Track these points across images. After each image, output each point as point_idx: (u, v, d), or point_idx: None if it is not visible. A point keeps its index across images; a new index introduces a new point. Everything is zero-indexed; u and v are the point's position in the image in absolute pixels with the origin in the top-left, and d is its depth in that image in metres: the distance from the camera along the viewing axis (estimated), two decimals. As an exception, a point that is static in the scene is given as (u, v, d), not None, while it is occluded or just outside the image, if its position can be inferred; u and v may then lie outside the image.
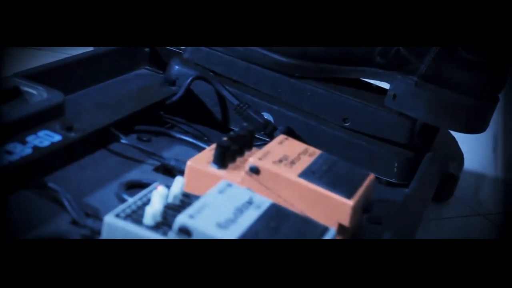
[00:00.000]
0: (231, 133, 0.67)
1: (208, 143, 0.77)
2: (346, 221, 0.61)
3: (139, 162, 0.71)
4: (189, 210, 0.53)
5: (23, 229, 0.56)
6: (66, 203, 0.60)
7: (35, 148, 0.63)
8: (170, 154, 0.73)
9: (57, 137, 0.66)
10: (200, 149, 0.76)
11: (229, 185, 0.58)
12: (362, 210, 0.65)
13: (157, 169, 0.71)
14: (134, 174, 0.69)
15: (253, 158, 0.64)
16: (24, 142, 0.64)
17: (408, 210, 0.69)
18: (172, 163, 0.70)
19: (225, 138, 0.66)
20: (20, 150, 0.62)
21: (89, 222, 0.58)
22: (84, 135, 0.68)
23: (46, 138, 0.65)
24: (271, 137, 0.80)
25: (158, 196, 0.55)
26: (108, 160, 0.70)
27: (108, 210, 0.59)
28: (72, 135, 0.67)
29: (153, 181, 0.63)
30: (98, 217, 0.59)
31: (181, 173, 0.68)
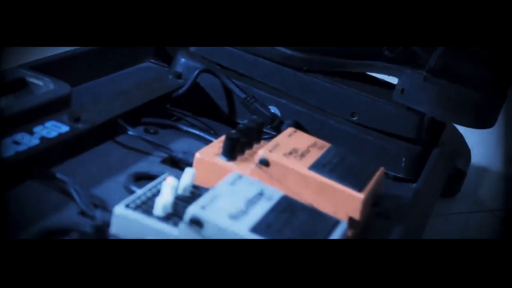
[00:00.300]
0: (240, 125, 0.67)
1: (215, 136, 0.76)
2: (356, 215, 0.61)
3: (147, 154, 0.71)
4: (200, 201, 0.52)
5: (31, 220, 0.56)
6: (74, 194, 0.59)
7: (43, 138, 0.63)
8: (177, 146, 0.73)
9: (64, 128, 0.65)
10: (207, 142, 0.75)
11: (240, 176, 0.57)
12: (372, 204, 0.64)
13: (164, 161, 0.70)
14: (142, 166, 0.68)
15: (263, 150, 0.63)
16: (31, 133, 0.63)
17: (417, 205, 0.69)
18: (180, 155, 0.70)
19: (234, 131, 0.65)
20: (28, 141, 0.62)
21: (98, 213, 0.57)
22: (91, 127, 0.68)
23: (54, 129, 0.65)
24: (278, 131, 0.80)
25: (169, 187, 0.54)
26: (115, 151, 0.70)
27: (116, 201, 0.59)
28: (80, 126, 0.67)
29: (161, 173, 0.62)
30: (106, 208, 0.59)
31: (189, 165, 0.67)
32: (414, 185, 0.77)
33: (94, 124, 0.68)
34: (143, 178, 0.65)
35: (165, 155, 0.71)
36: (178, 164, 0.70)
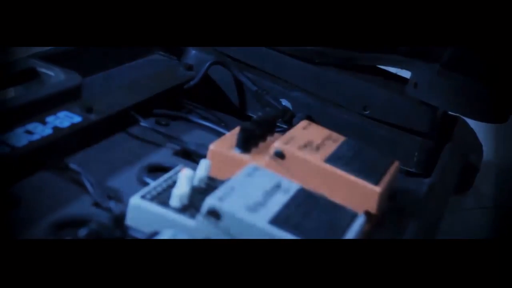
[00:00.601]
0: (254, 117, 0.66)
1: (227, 128, 0.75)
2: (373, 208, 0.60)
3: (159, 145, 0.70)
4: (218, 193, 0.52)
5: (44, 211, 0.55)
6: (88, 184, 0.58)
7: (56, 128, 0.62)
8: (189, 138, 0.72)
9: (77, 118, 0.65)
10: (219, 134, 0.74)
11: (257, 168, 0.57)
12: (388, 197, 0.64)
13: (176, 153, 0.69)
14: (154, 158, 0.67)
15: (278, 142, 0.63)
16: (44, 123, 0.62)
17: (432, 200, 0.68)
18: (193, 147, 0.69)
19: (248, 122, 0.65)
20: (41, 130, 0.61)
21: (112, 204, 0.57)
22: (104, 117, 0.67)
23: (66, 119, 0.64)
24: (290, 124, 0.79)
25: (185, 178, 0.53)
26: (128, 143, 0.69)
27: (129, 192, 0.58)
28: (92, 116, 0.66)
29: (174, 165, 0.62)
30: (120, 199, 0.58)
31: (202, 157, 0.66)
32: (426, 180, 0.77)
33: (106, 115, 0.67)
34: (157, 170, 0.64)
35: (177, 147, 0.70)
36: (190, 156, 0.69)
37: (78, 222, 0.53)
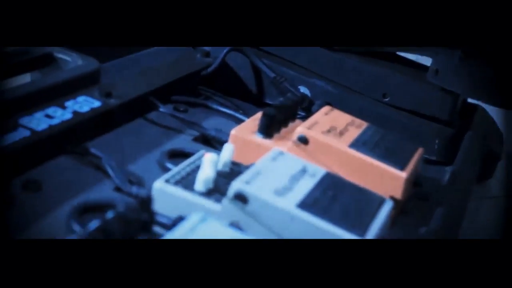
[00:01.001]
0: (276, 102, 0.65)
1: (245, 115, 0.74)
2: (398, 194, 0.59)
3: (178, 131, 0.69)
4: (244, 176, 0.51)
5: (65, 195, 0.54)
6: (109, 169, 0.57)
7: (75, 113, 0.61)
8: (208, 125, 0.71)
9: (96, 103, 0.64)
10: (238, 120, 0.73)
11: (281, 153, 0.56)
12: (413, 184, 0.63)
13: (196, 139, 0.68)
14: (174, 144, 0.66)
15: (301, 127, 0.62)
16: (63, 107, 0.61)
17: (456, 187, 0.67)
18: (212, 133, 0.68)
19: (270, 108, 0.64)
20: (61, 115, 0.60)
21: (134, 189, 0.56)
22: (123, 102, 0.66)
23: (86, 103, 0.63)
24: (308, 111, 0.78)
25: (210, 163, 0.52)
26: (147, 129, 0.68)
27: (150, 178, 0.57)
28: (112, 101, 0.65)
29: (194, 151, 0.61)
30: (141, 184, 0.57)
31: (221, 143, 0.66)
32: (448, 167, 0.75)
33: (126, 100, 0.66)
34: (177, 155, 0.63)
35: (196, 133, 0.69)
36: (210, 142, 0.68)
37: (101, 206, 0.53)
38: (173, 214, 0.50)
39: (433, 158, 0.79)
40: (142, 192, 0.54)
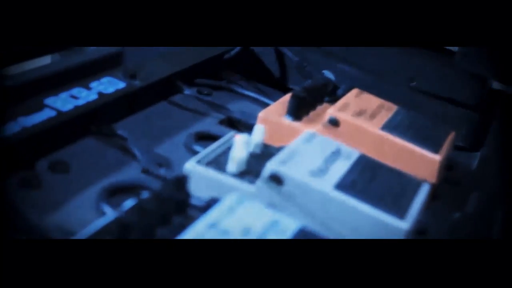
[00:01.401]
0: (305, 84, 0.64)
1: (270, 99, 0.73)
2: (432, 177, 0.57)
3: (203, 114, 0.68)
4: (279, 158, 0.49)
5: (94, 178, 0.53)
6: (136, 151, 0.56)
7: (101, 94, 0.60)
8: (233, 108, 0.70)
9: (121, 84, 0.62)
10: (262, 104, 0.72)
11: (314, 135, 0.54)
12: (445, 168, 0.61)
13: (222, 122, 0.67)
14: (199, 126, 0.65)
15: (331, 109, 0.60)
16: (88, 88, 0.60)
17: (489, 173, 0.65)
18: (238, 116, 0.67)
19: (299, 90, 0.62)
20: (86, 95, 0.59)
21: (162, 171, 0.54)
22: (147, 84, 0.65)
23: (110, 84, 0.62)
24: (333, 96, 0.76)
25: (242, 144, 0.51)
26: (171, 111, 0.67)
27: (177, 160, 0.56)
28: (136, 83, 0.64)
29: (222, 134, 0.59)
30: (169, 166, 0.56)
31: (248, 126, 0.64)
32: (477, 153, 0.74)
33: (150, 82, 0.65)
34: (205, 138, 0.62)
35: (221, 116, 0.68)
36: (235, 125, 0.67)
37: (130, 188, 0.51)
38: (205, 195, 0.49)
39: (460, 144, 0.77)
40: (171, 174, 0.53)
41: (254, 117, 0.63)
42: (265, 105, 0.71)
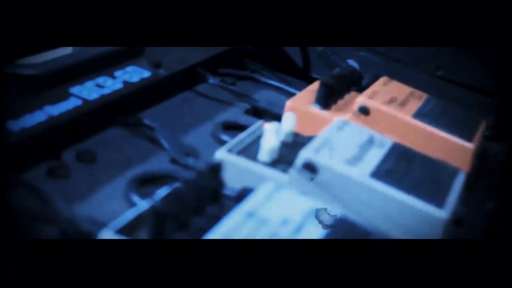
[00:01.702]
0: (333, 73, 0.62)
1: (295, 88, 0.72)
2: (465, 166, 0.56)
3: (228, 104, 0.67)
4: (312, 146, 0.48)
5: (121, 167, 0.52)
6: (163, 141, 0.55)
7: (126, 83, 0.59)
8: (258, 97, 0.69)
9: (146, 73, 0.61)
10: (287, 93, 0.71)
11: (346, 123, 0.53)
12: (477, 156, 0.60)
13: (247, 112, 0.66)
14: (225, 116, 0.64)
15: (361, 97, 0.59)
16: (113, 77, 0.59)
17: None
18: (265, 105, 0.65)
19: (328, 78, 0.61)
20: (111, 84, 0.58)
21: (190, 161, 0.53)
22: (172, 73, 0.64)
23: (135, 73, 0.61)
24: (358, 85, 0.75)
25: (273, 132, 0.50)
26: (196, 101, 0.66)
27: (205, 150, 0.55)
28: (161, 72, 0.62)
29: (249, 123, 0.58)
30: (197, 156, 0.55)
31: (274, 116, 0.63)
32: (505, 143, 0.72)
33: (175, 71, 0.64)
34: (232, 127, 0.60)
35: (246, 106, 0.67)
36: (261, 115, 0.66)
37: (159, 178, 0.50)
38: (235, 184, 0.47)
39: (488, 134, 0.76)
40: (199, 164, 0.51)
41: (280, 107, 0.62)
42: (289, 94, 0.70)
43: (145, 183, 0.49)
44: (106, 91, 0.56)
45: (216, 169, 0.42)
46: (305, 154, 0.47)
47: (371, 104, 0.58)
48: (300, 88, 0.66)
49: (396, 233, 0.45)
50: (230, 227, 0.37)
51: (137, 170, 0.51)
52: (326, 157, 0.47)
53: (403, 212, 0.45)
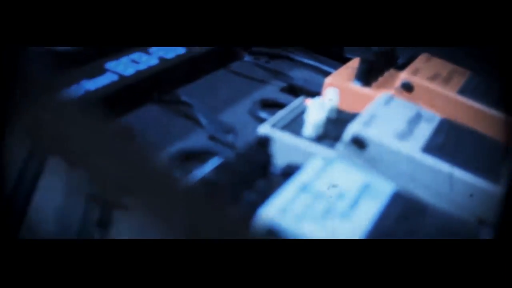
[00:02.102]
0: (374, 49, 0.60)
1: (331, 67, 0.70)
2: (512, 144, 0.54)
3: (263, 82, 0.65)
4: (360, 120, 0.46)
5: (159, 144, 0.50)
6: (202, 118, 0.54)
7: (161, 59, 0.57)
8: (292, 75, 0.67)
9: (180, 50, 0.60)
10: (321, 71, 0.69)
11: (393, 98, 0.51)
12: (524, 134, 0.58)
13: (283, 90, 0.64)
14: (261, 94, 0.62)
15: (404, 74, 0.57)
16: (148, 53, 0.57)
17: None
18: (301, 83, 0.64)
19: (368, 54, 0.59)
20: (146, 60, 0.56)
21: (230, 137, 0.52)
22: (208, 50, 0.62)
23: (170, 50, 0.59)
24: (392, 66, 0.73)
25: (318, 107, 0.48)
26: (231, 78, 0.64)
27: (243, 127, 0.54)
28: (196, 48, 0.61)
29: (287, 101, 0.57)
30: (236, 133, 0.53)
31: (310, 94, 0.61)
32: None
33: (209, 48, 0.62)
34: (269, 105, 0.59)
35: (282, 84, 0.65)
36: (297, 93, 0.64)
37: (200, 154, 0.49)
38: (280, 160, 0.46)
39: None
40: (235, 142, 0.50)
41: (316, 84, 0.60)
42: (324, 72, 0.68)
43: (185, 159, 0.48)
44: (141, 66, 0.55)
45: (264, 143, 0.41)
46: (353, 129, 0.45)
47: (414, 80, 0.56)
48: (333, 67, 0.64)
49: (449, 208, 0.43)
50: (285, 200, 0.36)
51: (175, 147, 0.50)
52: (375, 131, 0.45)
53: (457, 188, 0.43)
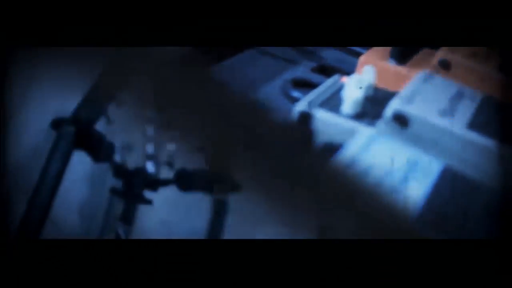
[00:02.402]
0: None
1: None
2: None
3: (292, 62, 0.64)
4: (401, 97, 0.45)
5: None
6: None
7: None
8: (321, 55, 0.66)
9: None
10: (349, 51, 0.68)
11: (432, 76, 0.50)
12: None
13: (313, 70, 0.63)
14: (292, 73, 0.61)
15: (441, 51, 0.55)
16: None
17: None
18: (332, 62, 0.62)
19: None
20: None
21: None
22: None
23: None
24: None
25: (356, 84, 0.47)
26: (262, 58, 0.63)
27: (276, 105, 0.52)
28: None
29: (319, 81, 0.55)
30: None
31: (342, 73, 0.60)
32: None
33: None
34: (301, 84, 0.58)
35: (312, 64, 0.64)
36: (329, 73, 0.63)
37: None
38: (320, 138, 0.45)
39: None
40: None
41: (348, 64, 0.59)
42: (352, 52, 0.67)
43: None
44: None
45: (304, 120, 0.40)
46: (395, 106, 0.44)
47: (452, 57, 0.54)
48: (363, 48, 0.62)
49: (494, 185, 0.42)
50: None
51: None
52: (417, 108, 0.44)
53: (503, 164, 0.42)
